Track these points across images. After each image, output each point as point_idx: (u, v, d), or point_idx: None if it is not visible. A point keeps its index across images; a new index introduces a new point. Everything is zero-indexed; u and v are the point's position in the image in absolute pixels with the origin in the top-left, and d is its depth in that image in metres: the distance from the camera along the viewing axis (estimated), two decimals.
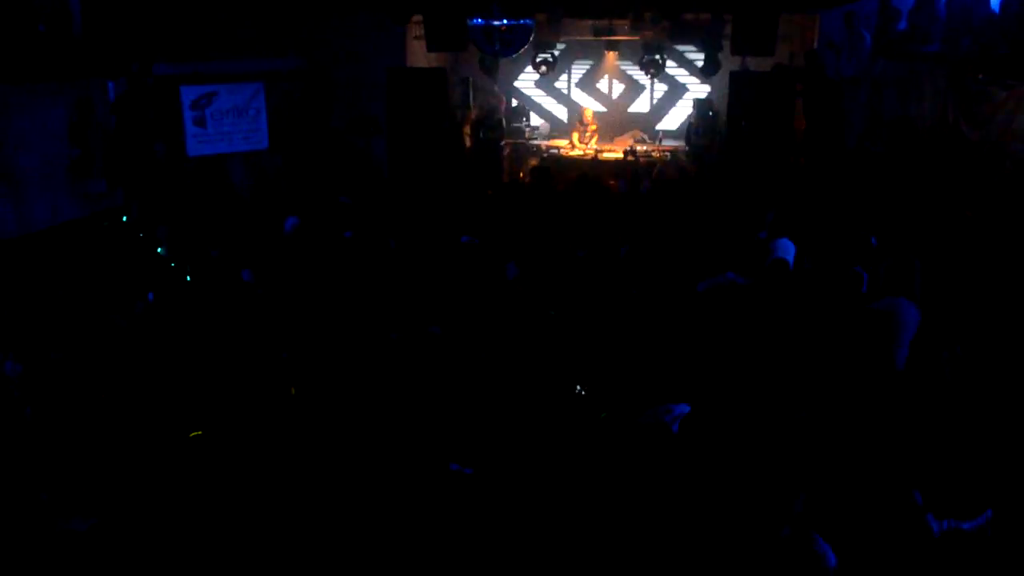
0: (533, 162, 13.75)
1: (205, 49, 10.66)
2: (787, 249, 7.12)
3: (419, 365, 5.24)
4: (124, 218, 9.15)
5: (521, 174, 13.69)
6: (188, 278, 7.76)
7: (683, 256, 7.57)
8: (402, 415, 4.76)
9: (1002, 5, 8.35)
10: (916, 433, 4.65)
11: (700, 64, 12.69)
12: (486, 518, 4.04)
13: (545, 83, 14.90)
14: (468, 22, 11.47)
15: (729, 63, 12.08)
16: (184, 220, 9.23)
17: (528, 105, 14.94)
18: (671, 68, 14.03)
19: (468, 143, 13.74)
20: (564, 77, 14.95)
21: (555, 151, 13.81)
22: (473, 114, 13.89)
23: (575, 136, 14.02)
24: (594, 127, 14.09)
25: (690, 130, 13.28)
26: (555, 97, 15.23)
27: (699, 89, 14.10)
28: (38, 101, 8.35)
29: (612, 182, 11.42)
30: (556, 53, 13.28)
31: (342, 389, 5.13)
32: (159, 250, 8.69)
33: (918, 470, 4.16)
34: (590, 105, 14.82)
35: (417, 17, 11.98)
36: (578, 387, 5.06)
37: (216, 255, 7.93)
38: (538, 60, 13.10)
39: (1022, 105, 7.36)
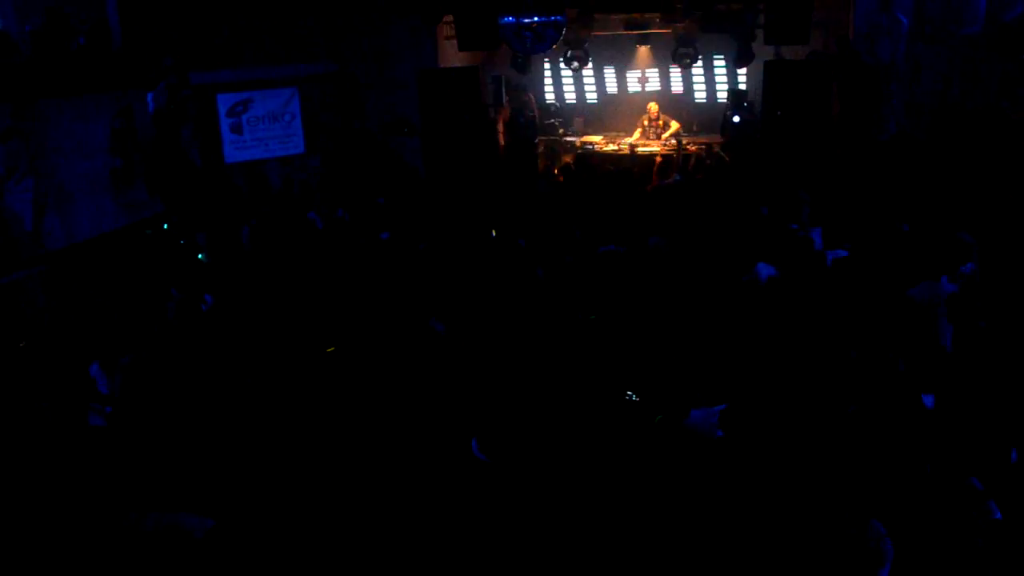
0: (567, 159, 13.73)
1: (239, 57, 10.85)
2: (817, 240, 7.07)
3: (456, 364, 5.29)
4: (165, 225, 9.34)
5: (556, 171, 13.68)
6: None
7: (719, 248, 7.52)
8: (429, 414, 4.83)
9: None
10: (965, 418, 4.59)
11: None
12: (527, 518, 4.08)
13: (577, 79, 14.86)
14: (499, 20, 11.49)
15: (763, 52, 11.92)
16: (223, 225, 9.42)
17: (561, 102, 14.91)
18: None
19: (502, 141, 13.75)
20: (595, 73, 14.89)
21: (590, 147, 13.74)
22: (506, 112, 13.89)
23: (637, 132, 13.83)
24: (662, 120, 13.63)
25: (725, 121, 13.13)
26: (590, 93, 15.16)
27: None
28: (80, 113, 8.56)
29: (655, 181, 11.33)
30: (587, 49, 13.23)
31: (378, 385, 5.21)
32: (199, 256, 8.87)
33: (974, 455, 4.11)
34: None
35: (448, 17, 12.04)
36: (629, 393, 5.01)
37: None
38: (569, 56, 13.07)
39: None
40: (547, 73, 14.98)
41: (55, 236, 8.27)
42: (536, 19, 11.54)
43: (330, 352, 5.94)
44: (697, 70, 14.02)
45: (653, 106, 13.79)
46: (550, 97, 14.99)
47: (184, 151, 9.93)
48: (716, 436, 4.33)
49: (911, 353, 5.23)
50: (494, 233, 8.86)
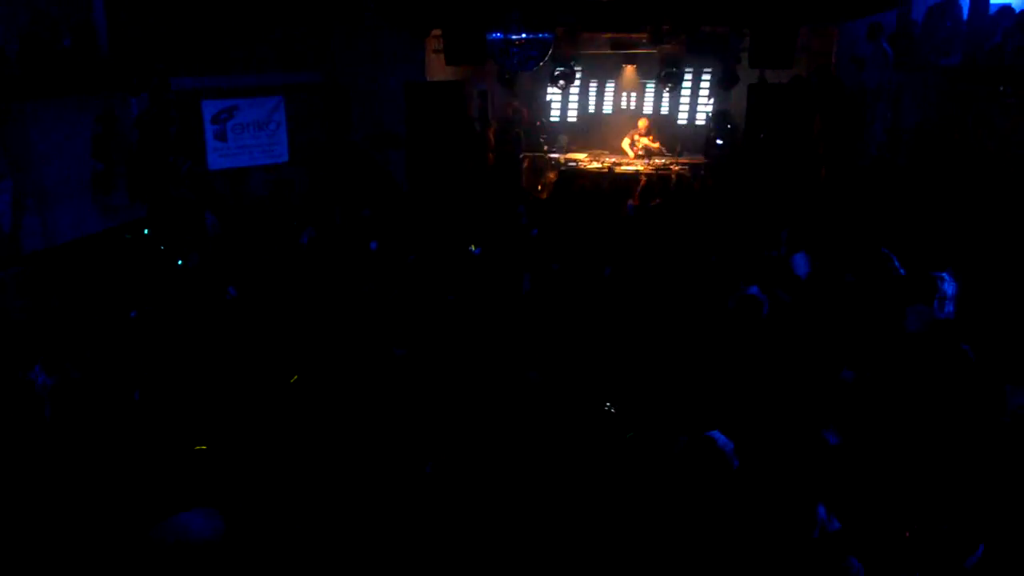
0: (551, 175, 13.79)
1: (226, 63, 10.81)
2: (799, 264, 7.11)
3: (429, 379, 5.28)
4: (146, 231, 9.27)
5: (540, 187, 13.73)
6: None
7: (699, 271, 7.56)
8: (405, 426, 4.82)
9: (1017, 17, 8.33)
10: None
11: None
12: (501, 529, 4.06)
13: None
14: (487, 36, 11.54)
15: (747, 75, 12.07)
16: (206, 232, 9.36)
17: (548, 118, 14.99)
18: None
19: (492, 156, 13.79)
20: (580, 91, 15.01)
21: (573, 164, 13.81)
22: (492, 127, 13.95)
23: (625, 142, 13.91)
24: (652, 136, 13.77)
25: (708, 142, 13.25)
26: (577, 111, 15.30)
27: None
28: (63, 115, 8.49)
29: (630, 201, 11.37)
30: (574, 67, 13.33)
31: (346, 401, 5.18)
32: (179, 262, 8.80)
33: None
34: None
35: (436, 31, 12.09)
36: (608, 405, 5.03)
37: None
38: (556, 74, 13.16)
39: None
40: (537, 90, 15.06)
41: (33, 238, 8.18)
42: (524, 36, 11.57)
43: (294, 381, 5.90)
44: (684, 91, 14.18)
45: (643, 121, 13.89)
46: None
47: (167, 157, 9.86)
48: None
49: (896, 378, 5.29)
50: (474, 248, 8.87)
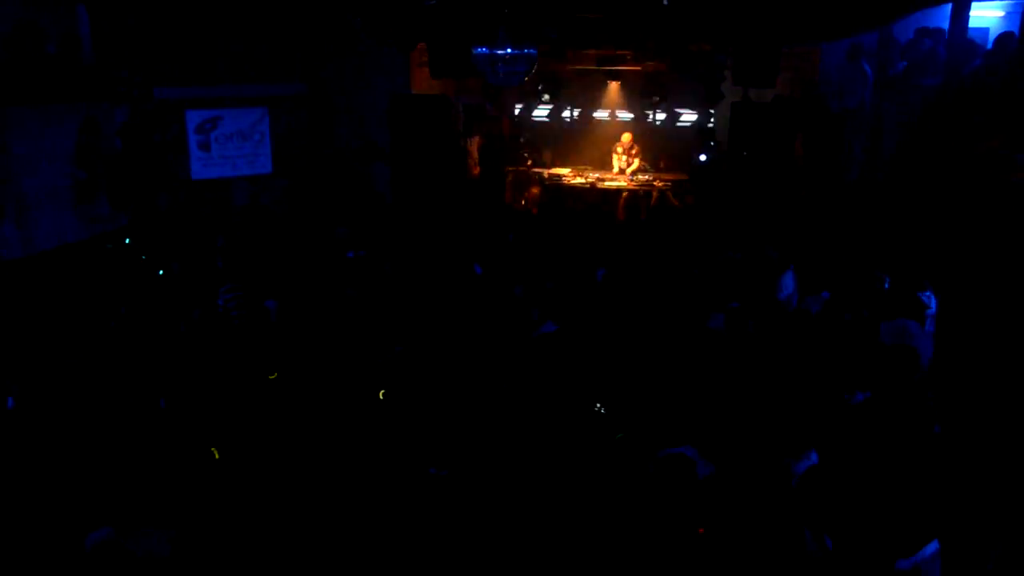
0: (535, 190, 13.81)
1: (211, 74, 10.77)
2: (788, 284, 7.18)
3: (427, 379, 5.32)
4: (127, 240, 9.19)
5: (523, 201, 13.75)
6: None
7: (681, 286, 7.61)
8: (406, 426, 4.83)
9: (996, 41, 8.50)
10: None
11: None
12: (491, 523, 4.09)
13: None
14: (472, 50, 11.56)
15: (731, 93, 12.16)
16: (187, 243, 9.29)
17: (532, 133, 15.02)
18: None
19: (476, 169, 13.80)
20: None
21: (557, 179, 13.86)
22: (477, 141, 13.97)
23: (614, 158, 13.95)
24: (635, 150, 13.84)
25: (691, 160, 13.34)
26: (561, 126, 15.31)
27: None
28: (45, 123, 8.41)
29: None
30: (558, 83, 13.41)
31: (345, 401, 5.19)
32: (160, 272, 8.73)
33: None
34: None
35: (422, 44, 12.10)
36: (598, 405, 5.10)
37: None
38: (540, 88, 13.22)
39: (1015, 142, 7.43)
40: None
41: (12, 246, 8.07)
42: (509, 51, 11.60)
43: (273, 379, 5.93)
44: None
45: (627, 136, 13.95)
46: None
47: (150, 166, 9.79)
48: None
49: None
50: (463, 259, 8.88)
